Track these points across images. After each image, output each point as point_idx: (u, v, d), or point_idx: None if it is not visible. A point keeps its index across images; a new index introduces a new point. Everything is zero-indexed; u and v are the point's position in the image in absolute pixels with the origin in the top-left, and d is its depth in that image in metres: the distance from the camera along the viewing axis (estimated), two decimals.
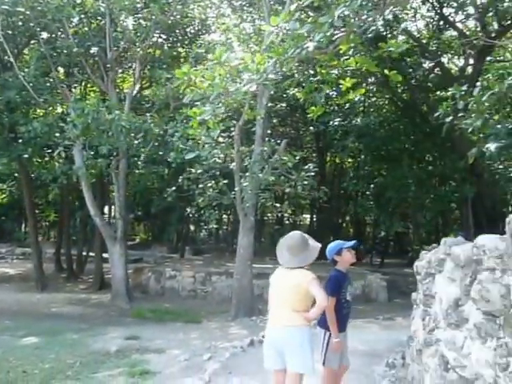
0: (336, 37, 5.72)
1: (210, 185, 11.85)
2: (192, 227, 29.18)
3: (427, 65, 18.82)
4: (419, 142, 18.46)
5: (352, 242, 5.42)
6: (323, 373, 5.22)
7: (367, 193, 21.48)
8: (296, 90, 16.06)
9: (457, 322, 3.90)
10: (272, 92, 15.63)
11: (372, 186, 20.11)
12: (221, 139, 13.25)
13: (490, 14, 17.13)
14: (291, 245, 4.64)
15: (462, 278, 3.80)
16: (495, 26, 17.50)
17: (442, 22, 18.32)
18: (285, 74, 7.33)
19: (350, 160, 23.06)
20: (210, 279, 15.68)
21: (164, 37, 17.95)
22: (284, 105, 19.79)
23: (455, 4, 17.05)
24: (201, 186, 11.89)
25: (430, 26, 19.31)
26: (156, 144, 14.48)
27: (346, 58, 6.48)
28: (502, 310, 3.29)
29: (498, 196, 20.68)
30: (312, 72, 12.72)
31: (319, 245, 4.79)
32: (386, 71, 6.39)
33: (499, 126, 12.15)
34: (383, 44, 6.03)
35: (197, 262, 19.45)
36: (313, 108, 6.97)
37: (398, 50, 5.87)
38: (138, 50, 15.65)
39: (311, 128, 21.45)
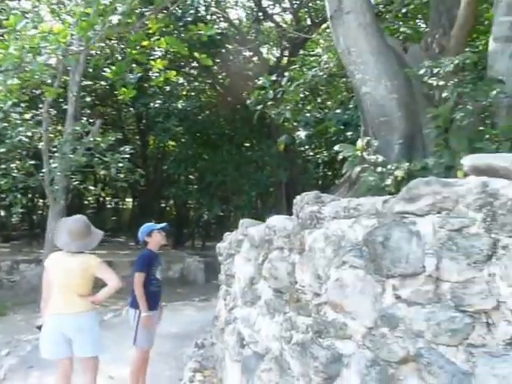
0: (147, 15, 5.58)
1: (14, 165, 10.91)
2: (2, 212, 26.81)
3: (247, 53, 19.41)
4: (238, 128, 19.00)
5: (162, 225, 5.56)
6: (134, 354, 5.18)
7: (190, 176, 21.61)
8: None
9: (252, 299, 4.06)
10: (91, 70, 14.91)
11: (194, 169, 20.28)
12: (27, 116, 12.21)
13: (304, 10, 18.21)
14: (73, 229, 4.45)
15: (256, 257, 3.96)
16: (308, 21, 18.67)
17: (260, 13, 18.98)
18: (103, 50, 7.02)
19: (173, 143, 22.95)
20: (18, 268, 14.52)
21: None
22: (104, 83, 18.95)
23: None
24: (3, 166, 10.87)
25: (250, 15, 19.91)
26: None
27: (157, 38, 6.33)
28: (288, 287, 3.48)
29: (309, 180, 22.23)
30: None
31: (102, 232, 4.74)
32: (197, 54, 6.39)
33: (308, 115, 13.01)
34: (194, 27, 6.02)
35: (3, 250, 17.92)
36: (124, 89, 6.73)
37: (207, 33, 5.89)
38: None
39: (132, 109, 20.89)
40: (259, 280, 3.94)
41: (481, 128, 4.53)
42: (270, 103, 8.32)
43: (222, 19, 18.34)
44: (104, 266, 4.46)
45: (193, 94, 20.33)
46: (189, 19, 13.29)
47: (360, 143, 4.69)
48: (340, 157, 4.83)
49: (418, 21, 11.63)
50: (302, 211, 3.35)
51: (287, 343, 3.42)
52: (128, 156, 11.18)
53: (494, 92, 4.42)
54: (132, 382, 5.19)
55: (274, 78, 8.55)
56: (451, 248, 2.60)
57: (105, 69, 15.49)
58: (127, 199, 33.45)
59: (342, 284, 2.97)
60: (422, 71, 4.68)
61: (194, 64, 18.09)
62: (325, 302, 3.09)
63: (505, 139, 4.12)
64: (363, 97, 5.26)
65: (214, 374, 5.71)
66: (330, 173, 18.62)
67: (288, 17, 20.01)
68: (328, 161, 15.18)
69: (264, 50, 21.12)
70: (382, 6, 12.55)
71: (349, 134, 10.81)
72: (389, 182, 4.24)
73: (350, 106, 11.48)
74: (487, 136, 4.28)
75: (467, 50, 5.22)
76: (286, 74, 8.63)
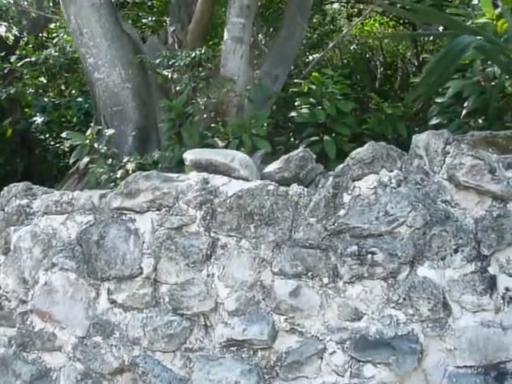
0: None
1: None
2: None
3: None
4: None
5: None
6: None
7: None
8: None
9: None
10: None
11: None
12: None
13: None
14: None
15: None
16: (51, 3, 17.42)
17: None
18: None
19: None
20: None
21: None
22: None
23: None
24: None
25: None
26: None
27: None
28: None
29: (50, 171, 20.79)
30: None
31: None
32: None
33: (46, 100, 12.04)
34: None
35: None
36: None
37: None
38: None
39: None
40: None
41: (212, 125, 4.57)
42: None
43: None
44: None
45: None
46: None
47: (90, 132, 4.35)
48: (67, 145, 4.43)
49: (163, 17, 11.64)
50: (9, 205, 2.88)
51: None
52: None
53: (225, 90, 4.49)
54: None
55: (2, 54, 7.66)
56: (170, 248, 2.46)
57: None
58: None
59: (51, 289, 2.62)
60: (157, 61, 4.54)
61: None
62: (31, 310, 2.70)
63: (234, 137, 4.20)
64: (96, 83, 4.92)
65: None
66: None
67: None
68: (69, 151, 14.33)
69: (2, 28, 19.07)
70: None
71: (92, 124, 10.33)
72: (119, 174, 3.98)
73: None
74: (218, 133, 4.32)
75: (204, 46, 5.25)
76: (17, 51, 7.77)
